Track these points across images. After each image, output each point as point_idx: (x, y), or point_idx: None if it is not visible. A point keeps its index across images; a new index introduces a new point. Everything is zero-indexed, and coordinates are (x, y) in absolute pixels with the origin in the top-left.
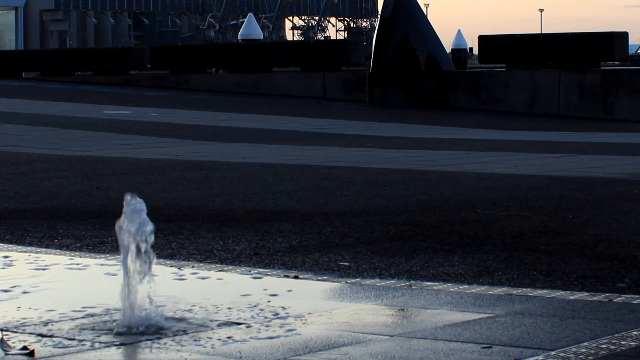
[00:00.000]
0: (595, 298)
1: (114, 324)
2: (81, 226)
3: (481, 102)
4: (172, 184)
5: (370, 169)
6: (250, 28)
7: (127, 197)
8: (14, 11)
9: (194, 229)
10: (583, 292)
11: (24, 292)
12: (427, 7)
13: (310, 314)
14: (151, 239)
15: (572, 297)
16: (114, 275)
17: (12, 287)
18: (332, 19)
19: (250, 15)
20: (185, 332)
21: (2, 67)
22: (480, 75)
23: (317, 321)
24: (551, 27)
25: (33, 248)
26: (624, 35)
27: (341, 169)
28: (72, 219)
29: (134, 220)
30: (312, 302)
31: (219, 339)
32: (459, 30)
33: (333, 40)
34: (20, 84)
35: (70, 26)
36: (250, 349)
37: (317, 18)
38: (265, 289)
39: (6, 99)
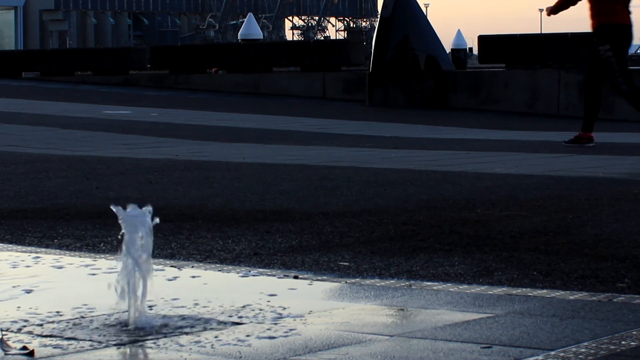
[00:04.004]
0: (595, 298)
1: (114, 324)
2: (81, 226)
3: (481, 102)
4: (172, 184)
5: (370, 169)
6: (250, 28)
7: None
8: (13, 11)
9: (194, 229)
10: (583, 292)
11: (24, 292)
12: (427, 7)
13: (310, 313)
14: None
15: (572, 297)
16: (114, 275)
17: (12, 287)
18: (332, 19)
19: (250, 15)
20: (184, 332)
21: (2, 67)
22: (480, 75)
23: (317, 321)
24: (551, 27)
25: (33, 248)
26: None
27: (341, 169)
28: (72, 219)
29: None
30: (312, 302)
31: (219, 339)
32: (458, 30)
33: (333, 40)
34: (20, 84)
35: (70, 26)
36: (250, 349)
37: (317, 18)
38: (265, 289)
39: (6, 99)
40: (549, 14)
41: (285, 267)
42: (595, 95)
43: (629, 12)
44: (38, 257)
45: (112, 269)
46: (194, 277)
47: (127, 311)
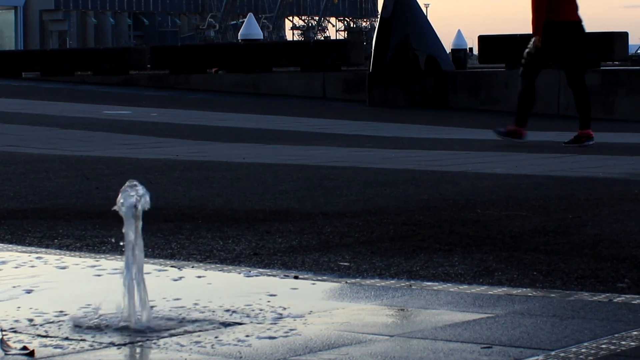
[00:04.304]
0: (595, 298)
1: (114, 324)
2: (81, 226)
3: (481, 102)
4: (172, 184)
5: (370, 169)
6: (250, 28)
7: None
8: (13, 11)
9: (194, 229)
10: (583, 292)
11: (24, 292)
12: (427, 7)
13: (310, 314)
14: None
15: (571, 297)
16: (114, 275)
17: (12, 287)
18: (332, 19)
19: (250, 15)
20: (184, 332)
21: (2, 67)
22: (480, 75)
23: (317, 321)
24: None
25: (33, 248)
26: (624, 35)
27: (341, 169)
28: (72, 219)
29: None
30: (312, 302)
31: (219, 339)
32: (459, 30)
33: (333, 40)
34: (20, 84)
35: (70, 26)
36: (250, 349)
37: (317, 18)
38: (265, 289)
39: (6, 99)
40: (539, 44)
41: (286, 267)
42: (582, 90)
43: (574, 8)
44: (39, 258)
45: (114, 269)
46: (194, 277)
47: (127, 311)
